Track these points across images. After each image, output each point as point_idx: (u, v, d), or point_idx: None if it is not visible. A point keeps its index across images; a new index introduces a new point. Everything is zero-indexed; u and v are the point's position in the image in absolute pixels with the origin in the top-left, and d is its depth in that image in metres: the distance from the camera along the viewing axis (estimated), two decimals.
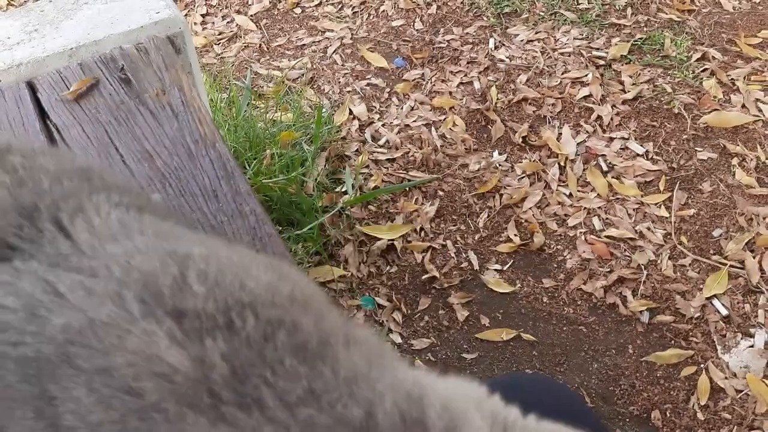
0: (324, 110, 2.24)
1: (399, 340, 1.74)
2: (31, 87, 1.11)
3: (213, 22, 2.66)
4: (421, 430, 0.31)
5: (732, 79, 2.32)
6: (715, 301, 1.76)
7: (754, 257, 1.82)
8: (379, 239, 1.91)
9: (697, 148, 2.12)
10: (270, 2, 2.72)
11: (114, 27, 1.20)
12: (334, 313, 0.40)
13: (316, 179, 1.89)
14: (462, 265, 1.90)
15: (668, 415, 1.59)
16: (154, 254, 0.35)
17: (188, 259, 0.36)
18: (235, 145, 1.76)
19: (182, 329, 0.31)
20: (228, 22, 2.64)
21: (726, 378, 1.62)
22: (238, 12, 2.69)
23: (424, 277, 1.86)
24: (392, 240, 1.92)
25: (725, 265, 1.82)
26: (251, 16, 2.66)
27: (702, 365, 1.66)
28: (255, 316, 0.33)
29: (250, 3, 2.72)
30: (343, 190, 1.95)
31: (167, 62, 1.14)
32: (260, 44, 2.54)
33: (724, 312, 1.73)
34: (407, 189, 2.05)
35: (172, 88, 1.09)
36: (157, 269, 0.34)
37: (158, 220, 0.42)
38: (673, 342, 1.71)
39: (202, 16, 2.67)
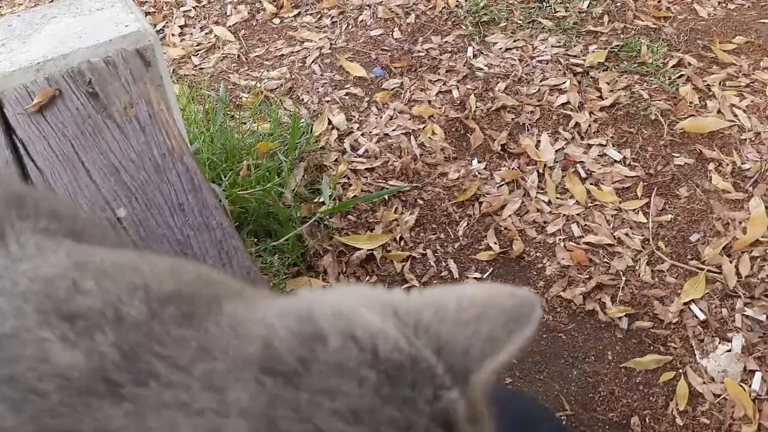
0: (302, 120, 2.24)
1: None
2: None
3: (191, 33, 2.65)
4: (320, 341, 0.32)
5: (708, 84, 2.34)
6: (693, 306, 1.76)
7: (731, 262, 1.83)
8: (359, 249, 1.91)
9: (673, 154, 2.13)
10: (249, 13, 2.72)
11: (82, 41, 1.19)
12: (235, 283, 0.41)
13: (293, 190, 1.88)
14: (442, 274, 1.90)
15: (647, 421, 1.59)
16: (57, 266, 0.37)
17: (87, 263, 0.38)
18: (211, 157, 1.75)
19: (74, 330, 0.33)
20: (206, 33, 2.64)
21: (704, 383, 1.63)
22: (217, 23, 2.68)
23: (404, 286, 1.85)
24: (372, 250, 1.91)
25: (703, 270, 1.83)
26: (230, 27, 2.66)
27: (680, 370, 1.66)
28: (143, 299, 0.35)
29: (228, 14, 2.72)
30: (322, 200, 1.95)
31: (135, 75, 1.13)
32: (239, 55, 2.53)
33: (702, 317, 1.73)
34: (387, 198, 2.05)
35: (139, 102, 1.09)
36: (56, 278, 0.36)
37: (84, 245, 0.43)
38: (651, 347, 1.71)
39: (180, 27, 2.66)
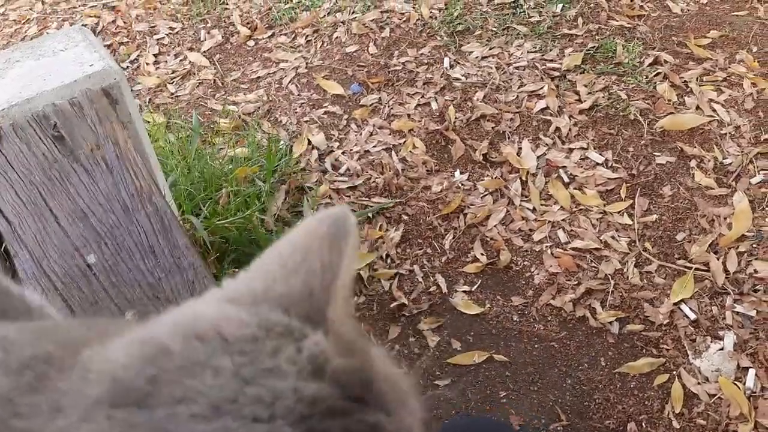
0: (282, 142, 2.23)
1: None
2: None
3: (166, 61, 2.64)
4: (164, 353, 0.31)
5: (685, 81, 2.35)
6: (683, 306, 1.76)
7: (718, 258, 1.83)
8: None
9: (655, 153, 2.13)
10: (222, 37, 2.71)
11: (47, 83, 1.18)
12: (106, 325, 0.40)
13: (275, 214, 1.87)
14: (430, 290, 1.89)
15: (644, 426, 1.58)
16: None
17: None
18: (189, 188, 1.73)
19: None
20: (181, 60, 2.63)
21: (699, 383, 1.62)
22: (191, 49, 2.67)
23: (392, 305, 1.84)
24: (358, 269, 1.90)
25: (690, 268, 1.82)
26: (204, 52, 2.65)
27: (674, 372, 1.65)
28: (4, 370, 0.34)
29: (202, 39, 2.71)
30: None
31: (101, 116, 1.12)
32: (214, 80, 2.52)
33: (693, 316, 1.73)
34: (371, 216, 2.03)
35: (106, 142, 1.07)
36: None
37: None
38: (644, 351, 1.70)
39: (155, 55, 2.65)
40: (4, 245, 0.97)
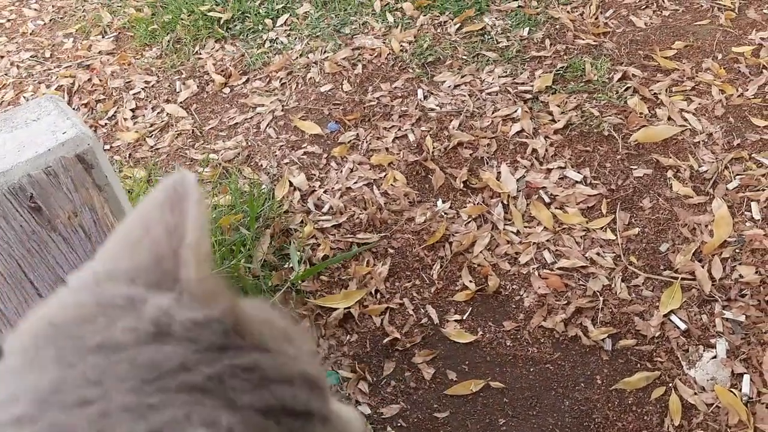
0: (264, 186, 2.24)
1: (368, 410, 1.71)
2: None
3: (143, 115, 2.66)
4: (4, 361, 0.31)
5: (654, 93, 2.39)
6: (673, 317, 1.77)
7: (702, 266, 1.85)
8: (335, 309, 1.90)
9: (632, 167, 2.16)
10: (198, 86, 2.73)
11: (21, 154, 1.19)
12: None
13: (261, 260, 1.87)
14: (422, 321, 1.89)
15: None
16: None
17: None
18: None
19: None
20: (158, 113, 2.65)
21: (695, 393, 1.62)
22: (168, 101, 2.70)
23: (385, 340, 1.84)
24: (348, 308, 1.90)
25: (677, 278, 1.84)
26: (180, 103, 2.67)
27: (670, 384, 1.65)
28: None
29: (178, 90, 2.73)
30: (292, 265, 1.94)
31: (77, 182, 1.13)
32: (193, 130, 2.54)
33: (683, 327, 1.74)
34: (357, 253, 2.04)
35: (83, 209, 1.08)
36: None
37: None
38: (639, 365, 1.71)
39: (132, 110, 2.67)
40: None
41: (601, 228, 2.01)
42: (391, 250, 2.06)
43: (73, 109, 2.67)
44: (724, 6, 2.72)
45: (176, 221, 0.33)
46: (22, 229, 1.07)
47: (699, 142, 2.18)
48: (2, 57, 3.09)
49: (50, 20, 3.31)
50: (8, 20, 3.36)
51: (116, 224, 1.06)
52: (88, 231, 1.04)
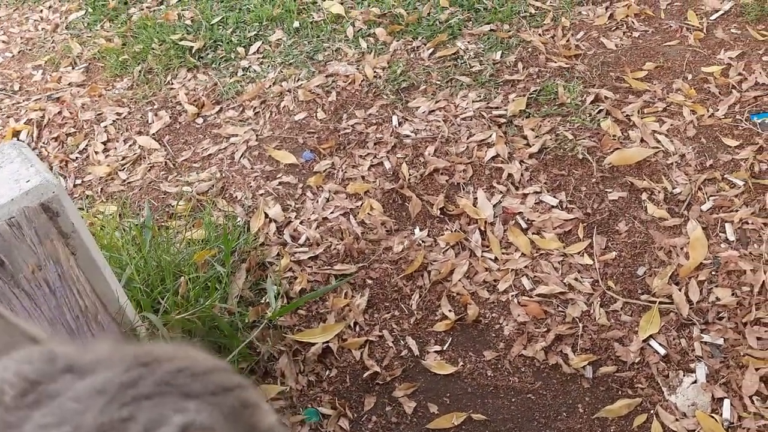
0: (239, 218, 2.21)
1: None
2: None
3: (115, 148, 2.62)
4: None
5: (627, 115, 2.41)
6: (652, 342, 1.77)
7: (680, 289, 1.85)
8: (314, 344, 1.87)
9: (606, 190, 2.17)
10: (170, 117, 2.71)
11: None
12: None
13: (237, 296, 1.84)
14: (402, 354, 1.87)
15: None
16: None
17: None
18: (146, 280, 1.71)
19: None
20: (130, 145, 2.61)
21: (677, 419, 1.61)
22: (140, 133, 2.66)
23: (365, 374, 1.82)
24: (327, 342, 1.88)
25: (655, 302, 1.84)
26: (153, 134, 2.64)
27: (652, 411, 1.65)
28: None
29: (150, 122, 2.70)
30: (268, 300, 1.91)
31: (41, 234, 1.10)
32: (165, 162, 2.51)
33: (663, 351, 1.73)
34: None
35: (47, 262, 1.05)
36: None
37: None
38: (620, 392, 1.70)
39: (103, 143, 2.63)
40: None
41: (579, 253, 2.01)
42: (369, 281, 2.04)
43: (43, 143, 2.63)
44: (693, 26, 2.76)
45: None
46: None
47: (672, 163, 2.20)
48: None
49: (18, 52, 3.27)
50: None
51: (82, 278, 1.04)
52: (53, 286, 1.01)
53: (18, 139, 2.65)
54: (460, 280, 2.01)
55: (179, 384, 0.37)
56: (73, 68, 3.07)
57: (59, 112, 2.81)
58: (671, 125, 2.33)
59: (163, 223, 2.21)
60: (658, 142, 2.28)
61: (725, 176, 2.14)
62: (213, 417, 0.36)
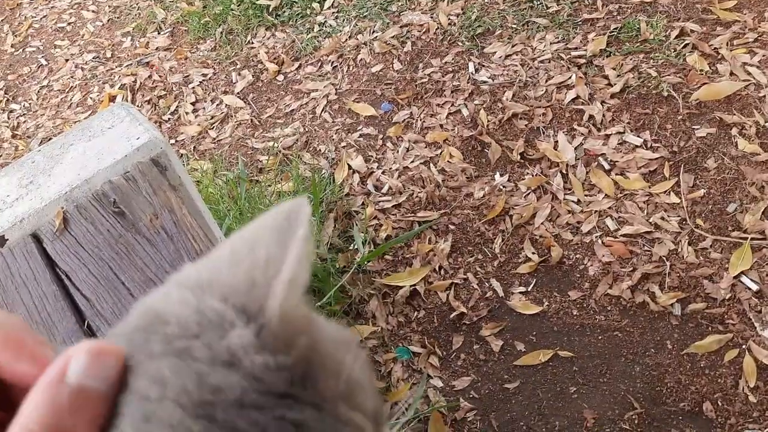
0: (323, 171, 2.29)
1: (440, 383, 1.76)
2: (37, 239, 1.18)
3: (204, 108, 2.74)
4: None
5: (715, 48, 2.31)
6: (744, 278, 1.74)
7: None
8: (401, 287, 1.94)
9: (694, 127, 2.11)
10: (253, 76, 2.80)
11: (101, 162, 1.27)
12: None
13: (327, 243, 1.93)
14: (487, 295, 1.92)
15: (720, 404, 1.58)
16: None
17: None
18: None
19: None
20: (217, 105, 2.73)
21: None
22: (225, 92, 2.77)
23: (452, 315, 1.88)
24: (414, 285, 1.95)
25: (746, 239, 1.80)
26: (238, 93, 2.74)
27: (743, 346, 1.64)
28: None
29: (234, 81, 2.80)
30: (356, 247, 1.99)
31: (154, 186, 1.20)
32: (251, 119, 2.61)
33: (755, 287, 1.71)
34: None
35: (163, 211, 1.15)
36: None
37: None
38: (710, 328, 1.70)
39: (192, 104, 2.76)
40: (86, 322, 1.06)
41: (665, 192, 1.98)
42: (452, 227, 2.09)
43: (138, 106, 2.77)
44: None
45: (278, 252, 0.34)
46: (109, 234, 1.15)
47: (764, 96, 2.11)
48: (67, 60, 3.23)
49: (108, 20, 3.43)
50: (69, 23, 3.49)
51: (194, 225, 1.13)
52: (170, 232, 1.11)
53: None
54: (542, 223, 2.02)
55: None
56: (158, 33, 3.21)
57: (149, 76, 2.95)
58: (763, 56, 2.23)
59: (253, 178, 2.32)
60: (749, 74, 2.19)
61: None
62: None
